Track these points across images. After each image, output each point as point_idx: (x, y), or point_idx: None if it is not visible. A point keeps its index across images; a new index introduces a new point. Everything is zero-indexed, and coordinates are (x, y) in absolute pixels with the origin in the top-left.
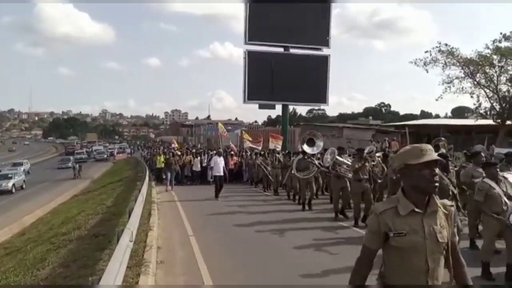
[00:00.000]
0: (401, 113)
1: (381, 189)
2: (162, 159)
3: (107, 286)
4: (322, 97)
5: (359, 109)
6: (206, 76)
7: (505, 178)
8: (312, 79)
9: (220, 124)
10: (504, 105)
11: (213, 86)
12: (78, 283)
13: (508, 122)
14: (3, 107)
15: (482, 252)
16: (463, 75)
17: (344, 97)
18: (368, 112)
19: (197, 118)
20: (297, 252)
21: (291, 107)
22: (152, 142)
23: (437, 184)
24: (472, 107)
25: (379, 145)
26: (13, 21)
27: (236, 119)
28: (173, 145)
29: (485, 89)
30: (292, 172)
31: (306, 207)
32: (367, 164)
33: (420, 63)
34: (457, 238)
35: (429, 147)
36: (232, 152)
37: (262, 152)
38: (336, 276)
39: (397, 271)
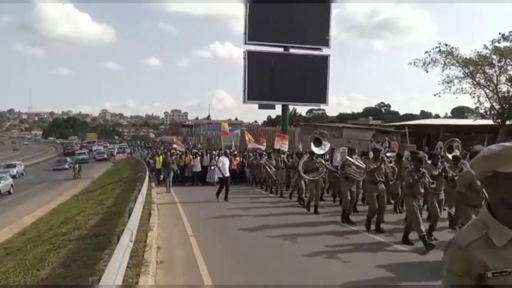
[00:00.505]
0: (401, 113)
1: (395, 192)
2: (161, 160)
3: (107, 286)
4: (322, 97)
5: (359, 109)
6: (206, 76)
7: None
8: (312, 79)
9: (224, 123)
10: (504, 105)
11: (213, 86)
12: (78, 283)
13: (508, 122)
14: (3, 107)
15: None
16: (462, 75)
17: (344, 97)
18: (368, 112)
19: (197, 118)
20: (303, 257)
21: (291, 107)
22: (152, 142)
23: None
24: (472, 107)
25: (379, 145)
26: (12, 21)
27: (236, 119)
28: (175, 146)
29: (485, 89)
30: (301, 174)
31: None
32: (383, 165)
33: (419, 63)
34: None
35: None
36: (235, 153)
37: (266, 152)
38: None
39: None
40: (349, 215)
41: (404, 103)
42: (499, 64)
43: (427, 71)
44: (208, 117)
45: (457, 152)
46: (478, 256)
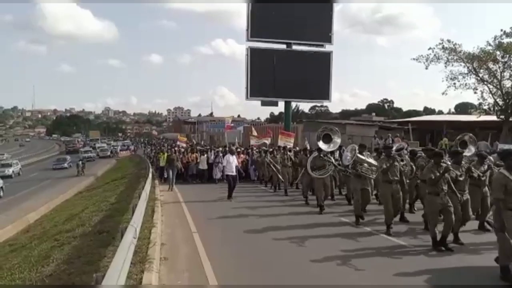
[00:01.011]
0: (404, 109)
1: (411, 190)
2: (165, 157)
3: (112, 284)
4: (324, 94)
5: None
6: (208, 73)
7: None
8: (314, 76)
9: (227, 118)
10: (507, 101)
11: (215, 83)
12: (82, 279)
13: None
14: (6, 105)
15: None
16: (466, 71)
17: (346, 93)
18: (371, 108)
19: (199, 115)
20: (313, 263)
21: (293, 104)
22: (156, 140)
23: None
24: (476, 103)
25: (382, 142)
26: (15, 19)
27: (238, 116)
28: (179, 143)
29: (489, 85)
30: (308, 171)
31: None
32: (396, 163)
33: (422, 60)
34: None
35: None
36: (239, 150)
37: (271, 149)
38: None
39: None
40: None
41: (407, 99)
42: (503, 60)
43: (426, 68)
44: (211, 114)
45: (471, 148)
46: None
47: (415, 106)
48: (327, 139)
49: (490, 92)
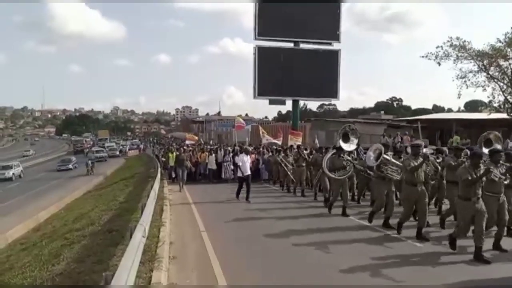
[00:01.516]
0: (413, 107)
1: (433, 192)
2: (174, 157)
3: (121, 284)
4: (333, 92)
5: (370, 103)
6: (216, 73)
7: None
8: (322, 74)
9: (238, 117)
10: None
11: (223, 82)
12: (92, 278)
13: None
14: (16, 105)
15: None
16: (476, 69)
17: (355, 91)
18: (379, 106)
19: (207, 114)
20: (342, 274)
21: (301, 103)
22: (165, 139)
23: None
24: (486, 100)
25: (391, 140)
26: (25, 20)
27: (246, 115)
28: (187, 142)
29: (499, 82)
30: (325, 172)
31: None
32: (425, 163)
33: (431, 57)
34: None
35: None
36: (250, 149)
37: (282, 148)
38: None
39: None
40: (388, 219)
41: (416, 97)
42: None
43: (439, 64)
44: (219, 113)
45: (497, 146)
46: None
47: (424, 104)
48: (347, 138)
49: (501, 89)
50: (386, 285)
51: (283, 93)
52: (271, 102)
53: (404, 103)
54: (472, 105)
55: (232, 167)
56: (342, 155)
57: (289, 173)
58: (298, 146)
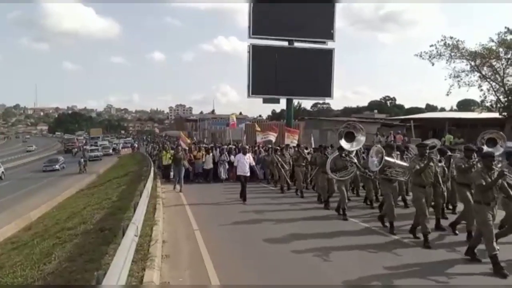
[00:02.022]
0: (406, 106)
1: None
2: (169, 155)
3: (112, 284)
4: (326, 91)
5: (364, 102)
6: (210, 71)
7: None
8: (316, 73)
9: (232, 115)
10: (510, 98)
11: (217, 80)
12: (84, 277)
13: None
14: (8, 102)
15: None
16: (469, 69)
17: (348, 90)
18: (373, 105)
19: (201, 113)
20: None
21: (295, 101)
22: (159, 137)
23: None
24: (478, 100)
25: (384, 139)
26: (17, 17)
27: (240, 113)
28: (181, 142)
29: (491, 82)
30: (328, 173)
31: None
32: (431, 164)
33: (425, 56)
34: None
35: None
36: (247, 147)
37: (279, 147)
38: None
39: None
40: (392, 222)
41: (409, 97)
42: (506, 57)
43: (433, 64)
44: (213, 111)
45: (501, 145)
46: None
47: (417, 103)
48: (350, 138)
49: (493, 89)
50: None
51: (277, 92)
52: (265, 101)
53: (397, 102)
54: (465, 104)
55: (227, 166)
56: (344, 155)
57: (285, 174)
58: (298, 145)
